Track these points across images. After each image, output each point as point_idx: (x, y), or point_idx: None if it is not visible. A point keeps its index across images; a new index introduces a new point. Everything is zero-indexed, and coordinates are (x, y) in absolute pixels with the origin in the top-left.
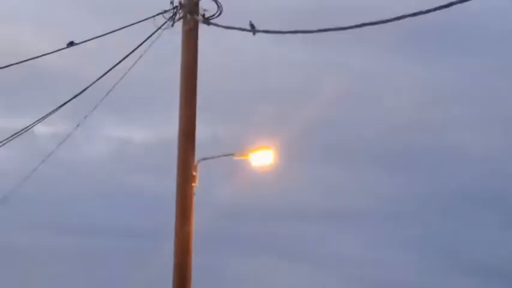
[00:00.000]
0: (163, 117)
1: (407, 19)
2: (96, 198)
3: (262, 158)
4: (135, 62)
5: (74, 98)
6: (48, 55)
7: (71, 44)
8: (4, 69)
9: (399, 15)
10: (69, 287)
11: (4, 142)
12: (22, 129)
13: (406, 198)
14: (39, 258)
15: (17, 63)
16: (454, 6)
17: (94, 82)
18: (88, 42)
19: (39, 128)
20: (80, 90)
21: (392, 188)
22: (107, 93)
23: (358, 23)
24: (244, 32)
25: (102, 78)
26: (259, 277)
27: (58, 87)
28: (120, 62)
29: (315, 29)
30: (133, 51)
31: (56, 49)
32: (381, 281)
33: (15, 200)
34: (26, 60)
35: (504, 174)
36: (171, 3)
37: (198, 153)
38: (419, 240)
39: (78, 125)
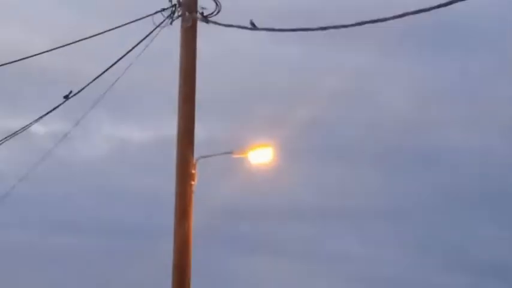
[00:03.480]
0: (161, 117)
1: (406, 17)
2: (94, 198)
3: (261, 155)
4: (134, 60)
5: (72, 97)
6: (45, 54)
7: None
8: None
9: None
10: (66, 287)
11: (1, 143)
12: (19, 130)
13: (404, 197)
14: (37, 258)
15: (12, 62)
16: (453, 4)
17: (91, 81)
18: (86, 41)
19: (36, 128)
20: (76, 89)
21: (390, 187)
22: (105, 92)
23: (358, 21)
24: (243, 31)
25: (98, 77)
26: (259, 276)
27: (55, 86)
28: (118, 61)
29: (315, 26)
30: (131, 49)
31: (53, 48)
32: (379, 279)
33: (12, 200)
34: (22, 59)
35: (500, 172)
36: (170, 1)
37: (197, 152)
38: (416, 238)
39: (76, 124)
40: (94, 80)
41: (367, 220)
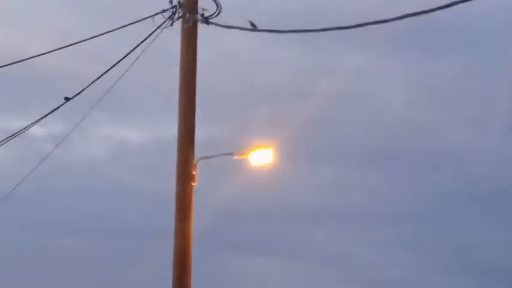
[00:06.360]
0: (160, 118)
1: (406, 18)
2: (94, 199)
3: (262, 157)
4: (133, 63)
5: (72, 98)
6: (45, 55)
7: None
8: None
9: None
10: (67, 287)
11: (0, 144)
12: (19, 131)
13: (403, 198)
14: (38, 259)
15: (12, 63)
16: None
17: (92, 82)
18: (86, 42)
19: (35, 129)
20: (76, 91)
21: (390, 188)
22: (105, 94)
23: (358, 22)
24: (243, 32)
25: (98, 79)
26: (259, 277)
27: (54, 87)
28: (117, 62)
29: (316, 28)
30: (131, 51)
31: (52, 49)
32: (379, 281)
33: (12, 201)
34: (21, 61)
35: (501, 173)
36: (170, 2)
37: (197, 153)
38: (417, 239)
39: (75, 127)
40: (94, 81)
41: (368, 221)
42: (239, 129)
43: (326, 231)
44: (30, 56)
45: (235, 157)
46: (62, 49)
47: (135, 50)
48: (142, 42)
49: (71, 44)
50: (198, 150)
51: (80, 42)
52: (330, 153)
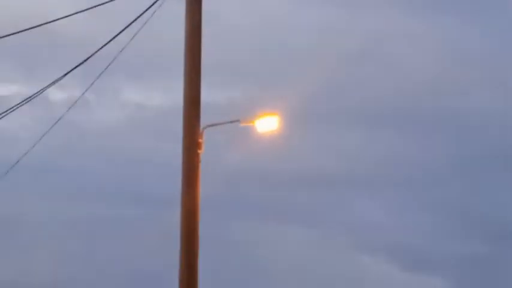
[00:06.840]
0: (176, 83)
1: None
2: (110, 164)
3: (268, 124)
4: (141, 27)
5: (83, 62)
6: (62, 20)
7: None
8: (18, 34)
9: None
10: (80, 254)
11: (16, 107)
12: (35, 94)
13: (422, 162)
14: (51, 227)
15: (32, 27)
16: None
17: (102, 47)
18: (105, 5)
19: (55, 95)
20: (97, 55)
21: (410, 151)
22: (116, 56)
23: None
24: None
25: (115, 42)
26: (267, 243)
27: (74, 52)
28: (128, 25)
29: None
30: (143, 13)
31: (69, 14)
32: (396, 245)
33: (28, 166)
34: (39, 25)
35: None
36: None
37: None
38: (438, 203)
39: (87, 89)
40: (104, 45)
41: (384, 186)
42: (251, 95)
43: (336, 196)
44: (50, 20)
45: (242, 124)
46: (83, 12)
47: (146, 13)
48: (154, 3)
49: (90, 8)
50: (206, 117)
51: (94, 7)
52: (349, 116)
